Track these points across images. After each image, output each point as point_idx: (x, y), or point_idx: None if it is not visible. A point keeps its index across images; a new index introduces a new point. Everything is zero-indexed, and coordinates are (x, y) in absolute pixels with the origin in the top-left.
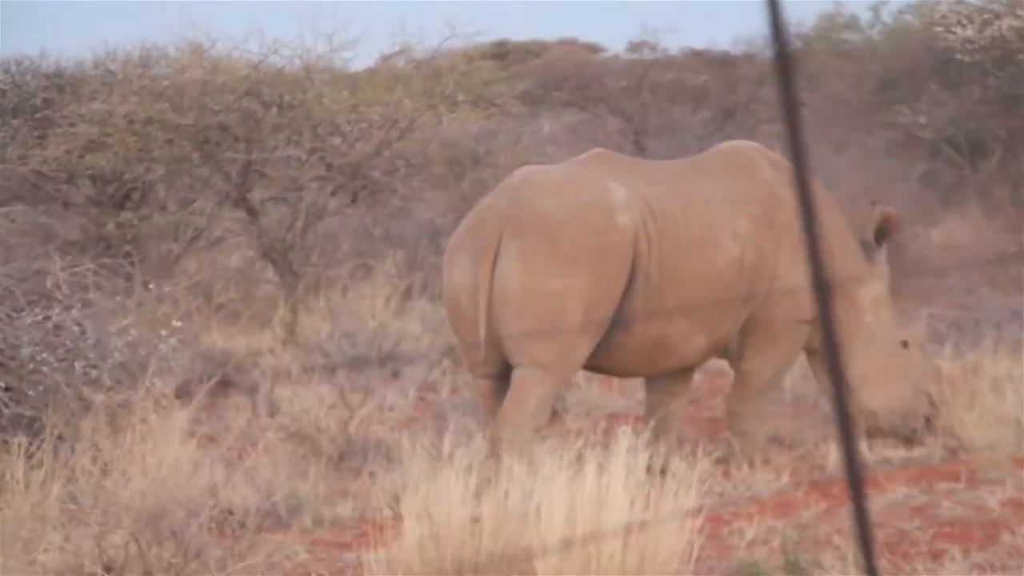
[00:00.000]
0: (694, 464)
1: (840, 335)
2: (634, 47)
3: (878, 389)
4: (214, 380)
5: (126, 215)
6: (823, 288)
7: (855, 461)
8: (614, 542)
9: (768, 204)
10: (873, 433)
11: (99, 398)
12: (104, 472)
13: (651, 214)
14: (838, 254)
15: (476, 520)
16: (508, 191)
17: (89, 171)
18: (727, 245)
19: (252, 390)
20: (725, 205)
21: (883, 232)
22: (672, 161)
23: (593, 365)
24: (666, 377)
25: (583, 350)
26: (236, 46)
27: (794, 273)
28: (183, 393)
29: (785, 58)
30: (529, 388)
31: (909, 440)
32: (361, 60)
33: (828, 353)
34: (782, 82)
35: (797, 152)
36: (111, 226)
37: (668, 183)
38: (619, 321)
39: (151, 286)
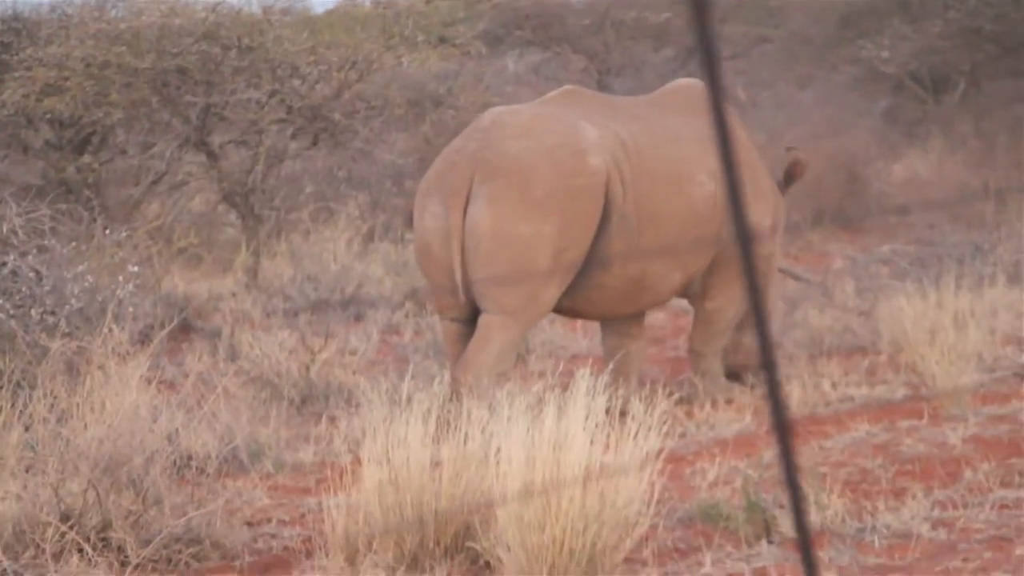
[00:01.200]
0: (655, 405)
1: (759, 281)
2: None
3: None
4: (173, 325)
5: (85, 159)
6: (745, 237)
7: (781, 408)
8: (574, 485)
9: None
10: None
11: (56, 345)
12: (61, 420)
13: (625, 153)
14: (755, 200)
15: (436, 464)
16: (478, 134)
17: (47, 115)
18: (702, 181)
19: (213, 335)
20: (697, 142)
21: (791, 178)
22: (640, 97)
23: (568, 308)
24: (623, 319)
25: (551, 295)
26: None
27: (754, 212)
28: (144, 339)
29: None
30: (494, 333)
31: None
32: (320, 2)
33: (751, 300)
34: (698, 22)
35: (716, 98)
36: (71, 170)
37: (640, 120)
38: (597, 262)
39: (108, 231)
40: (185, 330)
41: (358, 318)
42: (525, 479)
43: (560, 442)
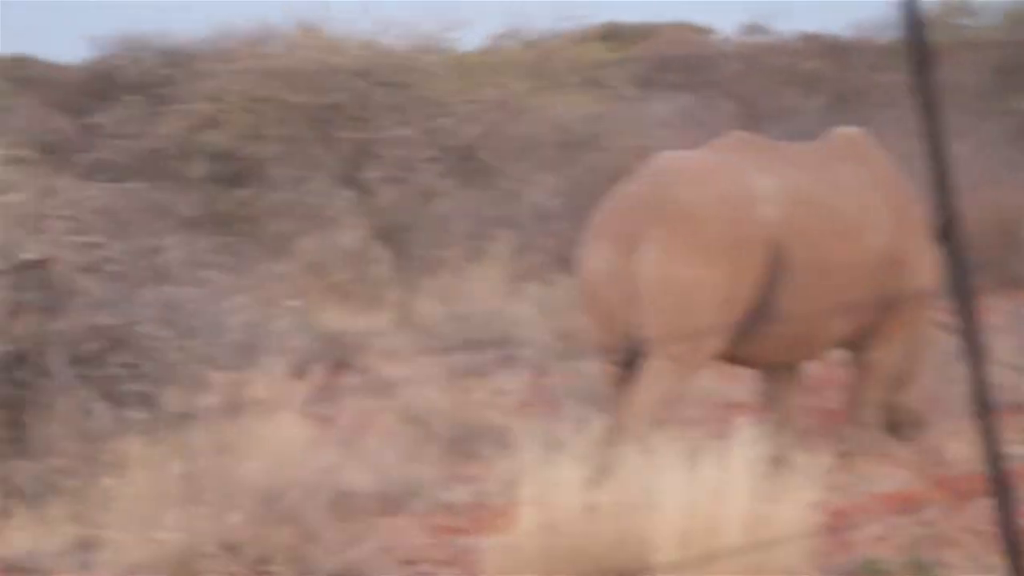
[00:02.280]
0: (816, 457)
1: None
2: (746, 30)
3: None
4: (329, 361)
5: (241, 193)
6: (966, 288)
7: (997, 456)
8: (733, 534)
9: (898, 193)
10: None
11: (216, 376)
12: (221, 451)
13: (797, 203)
14: (925, 253)
15: (593, 509)
16: (649, 178)
17: (205, 148)
18: (872, 232)
19: (366, 371)
20: (865, 192)
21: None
22: (806, 144)
23: (732, 355)
24: (784, 367)
25: (716, 342)
26: (348, 25)
27: (920, 263)
28: (299, 372)
29: (921, 47)
30: (658, 379)
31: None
32: (471, 41)
33: (968, 348)
34: (918, 72)
35: (938, 151)
36: (227, 203)
37: (810, 169)
38: (763, 312)
39: (264, 265)
40: (339, 366)
41: (509, 358)
42: (683, 527)
43: (719, 490)
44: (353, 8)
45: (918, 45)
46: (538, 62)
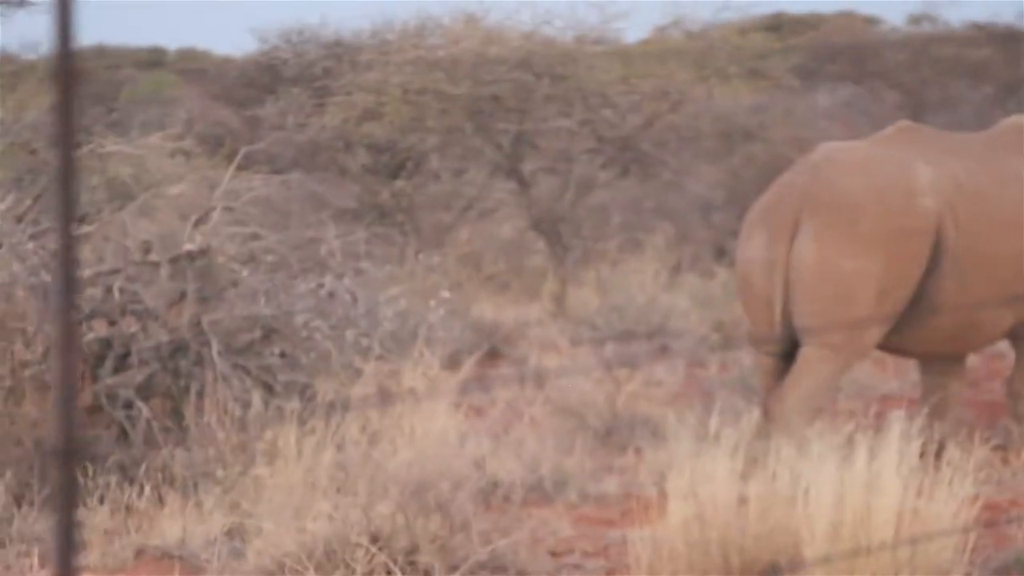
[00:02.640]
0: (971, 450)
1: None
2: (914, 20)
3: None
4: (479, 352)
5: (400, 184)
6: None
7: None
8: (885, 528)
9: None
10: None
11: (369, 367)
12: (372, 442)
13: (960, 195)
14: None
15: (743, 501)
16: (809, 168)
17: (365, 140)
18: None
19: (520, 362)
20: None
21: None
22: (975, 135)
23: (892, 345)
24: (944, 358)
25: (874, 333)
26: (509, 16)
27: None
28: (452, 363)
29: None
30: (814, 367)
31: None
32: (634, 32)
33: None
34: None
35: None
36: (385, 195)
37: (977, 159)
38: (924, 303)
39: (420, 256)
40: (492, 356)
41: (664, 350)
42: (834, 520)
43: (871, 484)
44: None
45: None
46: (700, 52)
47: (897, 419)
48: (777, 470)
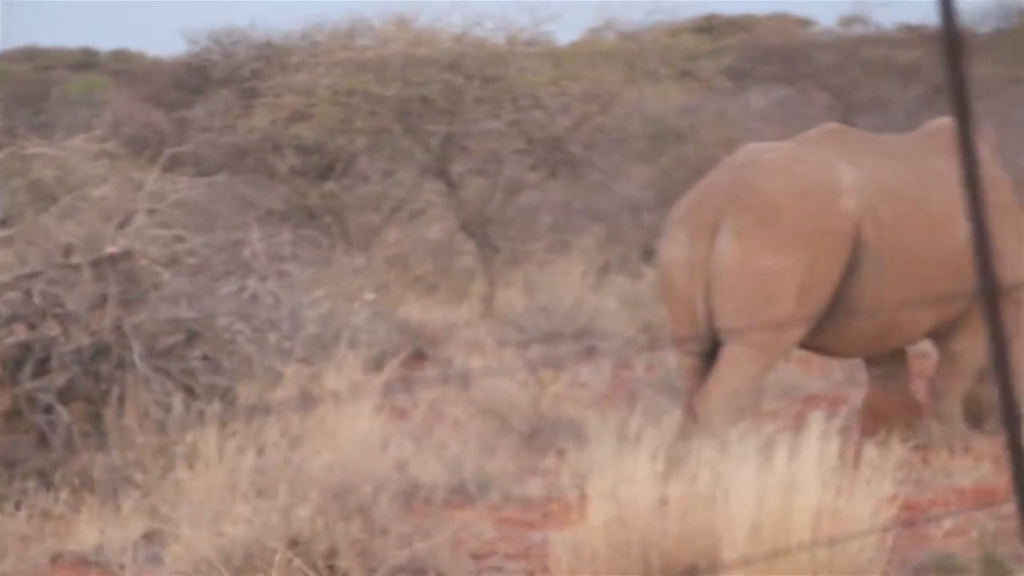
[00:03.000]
0: (889, 451)
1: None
2: (846, 21)
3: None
4: (406, 354)
5: (329, 186)
6: (991, 290)
7: (1021, 455)
8: (804, 529)
9: (993, 184)
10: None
11: (291, 369)
12: (293, 445)
13: (883, 196)
14: (1008, 251)
15: (664, 503)
16: (732, 168)
17: (294, 142)
18: (963, 226)
19: (446, 363)
20: (958, 184)
21: None
22: (902, 136)
23: (813, 345)
24: (888, 360)
25: (796, 332)
26: (439, 18)
27: (1012, 255)
28: (377, 365)
29: (953, 37)
30: (737, 366)
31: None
32: (565, 34)
33: (994, 353)
34: (950, 63)
35: (965, 139)
36: (314, 196)
37: (903, 160)
38: (845, 303)
39: (345, 257)
40: (419, 358)
41: (590, 351)
42: (754, 521)
43: (791, 484)
44: (445, 1)
45: (950, 34)
46: (631, 54)
47: (816, 419)
48: (698, 471)
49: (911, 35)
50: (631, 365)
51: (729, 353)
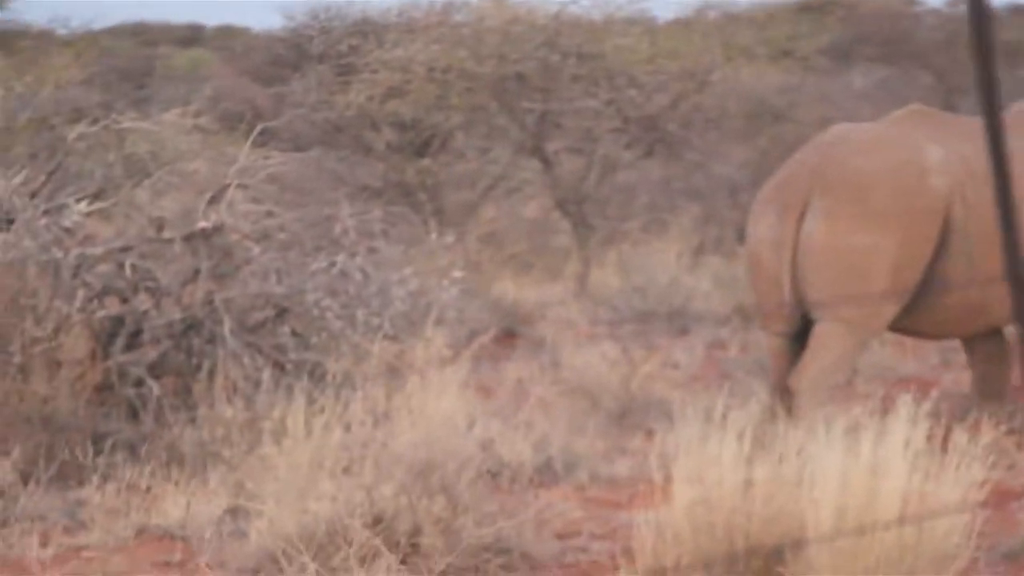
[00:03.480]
0: (981, 434)
1: None
2: (953, 2)
3: None
4: (493, 332)
5: (425, 162)
6: (1018, 272)
7: None
8: (890, 512)
9: None
10: None
11: (378, 347)
12: (379, 423)
13: (970, 176)
14: None
15: (749, 485)
16: (821, 148)
17: (390, 118)
18: None
19: (538, 343)
20: None
21: None
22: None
23: (905, 326)
24: (990, 340)
25: (889, 310)
26: None
27: None
28: (467, 344)
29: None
30: (831, 341)
31: None
32: (663, 12)
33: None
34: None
35: (993, 125)
36: (410, 173)
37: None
38: (935, 284)
39: (434, 235)
40: (512, 336)
41: (684, 331)
42: (839, 504)
43: (877, 468)
44: None
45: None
46: (728, 33)
47: (905, 402)
48: (784, 454)
49: (1018, 15)
50: (724, 346)
51: (822, 330)
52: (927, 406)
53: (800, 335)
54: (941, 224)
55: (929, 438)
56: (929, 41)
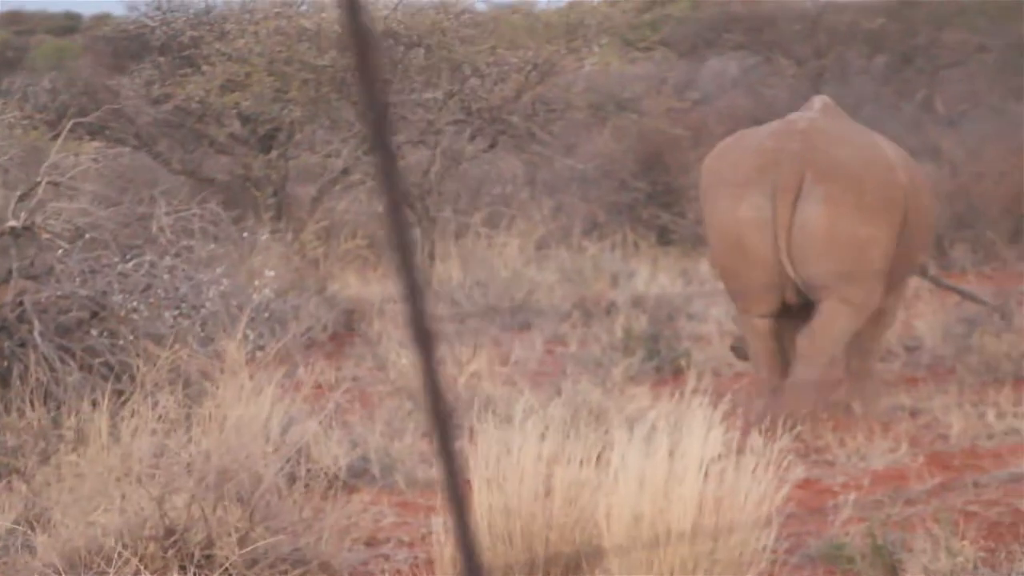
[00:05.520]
0: (776, 437)
1: None
2: None
3: None
4: (336, 328)
5: (272, 156)
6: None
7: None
8: (685, 520)
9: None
10: None
11: (187, 349)
12: (175, 429)
13: (910, 169)
14: None
15: (548, 491)
16: (796, 135)
17: (229, 111)
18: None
19: (371, 341)
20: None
21: None
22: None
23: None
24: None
25: (881, 295)
26: None
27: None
28: (310, 343)
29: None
30: (839, 317)
31: None
32: (505, 1)
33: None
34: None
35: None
36: (256, 167)
37: (888, 138)
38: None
39: (245, 234)
40: (350, 334)
41: (526, 326)
42: (635, 512)
43: (673, 474)
44: None
45: None
46: (574, 22)
47: (700, 405)
48: (584, 457)
49: (877, 2)
50: (565, 342)
51: (828, 308)
52: (724, 406)
53: (783, 313)
54: (903, 215)
55: (725, 442)
56: (790, 30)
